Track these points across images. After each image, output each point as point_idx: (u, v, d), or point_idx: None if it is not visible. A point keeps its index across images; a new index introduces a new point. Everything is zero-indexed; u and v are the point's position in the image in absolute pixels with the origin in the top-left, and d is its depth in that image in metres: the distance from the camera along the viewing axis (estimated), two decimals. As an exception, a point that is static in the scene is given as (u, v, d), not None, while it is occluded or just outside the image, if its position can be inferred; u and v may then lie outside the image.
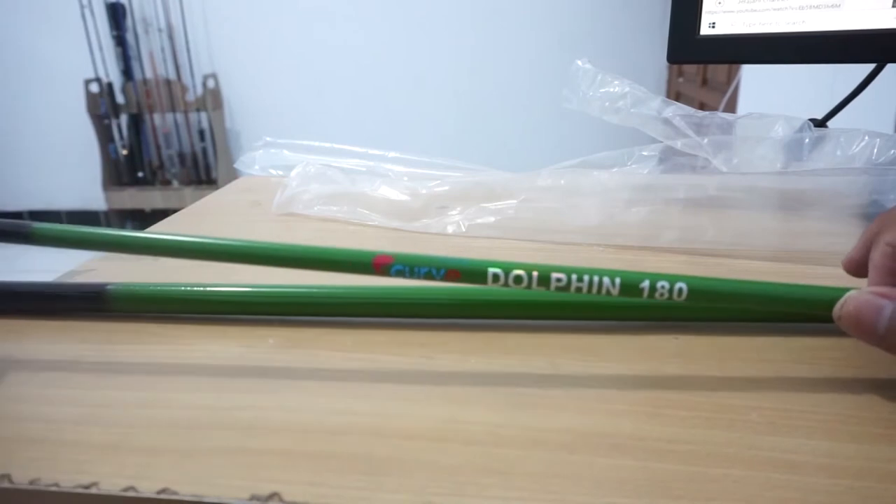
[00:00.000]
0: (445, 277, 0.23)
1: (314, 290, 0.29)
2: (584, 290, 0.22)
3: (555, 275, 0.22)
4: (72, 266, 0.36)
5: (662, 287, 0.22)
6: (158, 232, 0.26)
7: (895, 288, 0.22)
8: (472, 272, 0.23)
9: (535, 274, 0.22)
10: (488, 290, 0.29)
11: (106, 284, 0.30)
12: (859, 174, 0.36)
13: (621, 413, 0.22)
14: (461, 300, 0.29)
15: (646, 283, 0.22)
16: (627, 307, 0.28)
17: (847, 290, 0.22)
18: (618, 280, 0.22)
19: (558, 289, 0.22)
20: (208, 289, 0.30)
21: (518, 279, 0.22)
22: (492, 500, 0.18)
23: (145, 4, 2.42)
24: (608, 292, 0.22)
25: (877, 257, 0.24)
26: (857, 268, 0.26)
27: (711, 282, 0.23)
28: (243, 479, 0.19)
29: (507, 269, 0.22)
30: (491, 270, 0.22)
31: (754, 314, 0.28)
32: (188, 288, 0.30)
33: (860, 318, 0.22)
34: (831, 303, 0.22)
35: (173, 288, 0.30)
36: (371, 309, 0.29)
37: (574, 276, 0.22)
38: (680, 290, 0.22)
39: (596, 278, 0.22)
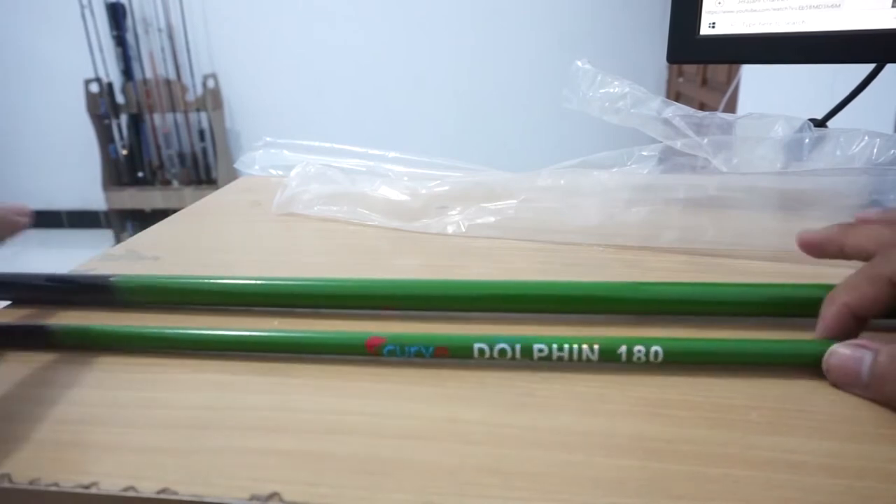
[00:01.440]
0: (435, 354, 0.25)
1: (318, 283, 0.30)
2: (566, 358, 0.24)
3: (536, 346, 0.24)
4: (72, 266, 0.36)
5: (639, 351, 0.23)
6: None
7: (871, 340, 0.22)
8: (459, 347, 0.24)
9: (517, 346, 0.24)
10: (489, 283, 0.29)
11: (110, 276, 0.30)
12: (859, 174, 0.36)
13: (621, 413, 0.22)
14: (461, 295, 0.29)
15: (623, 349, 0.24)
16: (625, 302, 0.28)
17: (830, 343, 0.23)
18: (596, 347, 0.24)
19: (540, 359, 0.24)
20: (212, 280, 0.30)
21: (503, 352, 0.24)
22: (492, 500, 0.18)
23: (145, 4, 2.42)
24: (588, 359, 0.24)
25: (829, 315, 0.24)
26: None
27: (687, 342, 0.24)
28: (243, 479, 0.19)
29: (491, 343, 0.24)
30: (476, 346, 0.24)
31: (752, 312, 0.28)
32: (192, 280, 0.30)
33: (844, 370, 0.22)
34: (815, 356, 0.23)
35: (177, 279, 0.30)
36: (372, 302, 0.29)
37: (555, 346, 0.24)
38: (656, 352, 0.23)
39: (576, 346, 0.24)
